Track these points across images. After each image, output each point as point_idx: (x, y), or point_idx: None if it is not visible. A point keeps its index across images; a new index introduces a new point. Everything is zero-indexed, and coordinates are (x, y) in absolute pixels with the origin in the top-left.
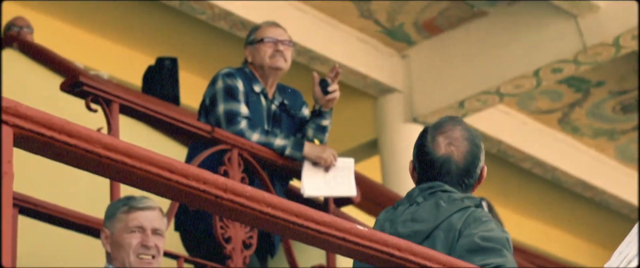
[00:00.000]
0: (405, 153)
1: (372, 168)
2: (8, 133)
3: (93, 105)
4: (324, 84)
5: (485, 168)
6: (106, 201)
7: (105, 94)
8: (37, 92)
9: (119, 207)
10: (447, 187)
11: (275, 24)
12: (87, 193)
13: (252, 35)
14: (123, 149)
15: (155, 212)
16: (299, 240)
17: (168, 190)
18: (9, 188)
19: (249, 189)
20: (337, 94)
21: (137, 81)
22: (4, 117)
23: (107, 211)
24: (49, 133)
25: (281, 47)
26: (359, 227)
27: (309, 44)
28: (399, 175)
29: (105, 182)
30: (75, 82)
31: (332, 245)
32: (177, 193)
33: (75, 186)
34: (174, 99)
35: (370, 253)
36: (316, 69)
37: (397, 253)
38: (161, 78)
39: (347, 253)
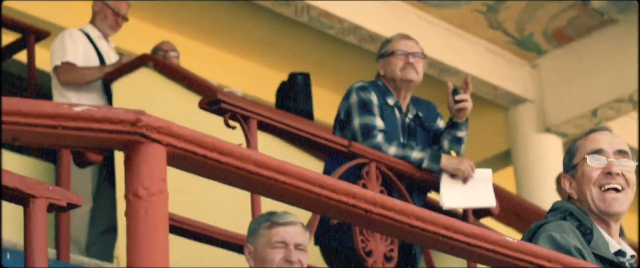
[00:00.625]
0: (538, 163)
1: (505, 179)
2: (162, 152)
3: (231, 122)
4: (456, 94)
5: (564, 179)
6: (248, 217)
7: (244, 111)
8: (172, 110)
9: (261, 222)
10: (558, 205)
11: (406, 37)
12: (229, 209)
13: (384, 49)
14: (274, 166)
15: (297, 227)
16: (448, 252)
17: (318, 205)
18: (165, 206)
19: (398, 203)
20: (467, 104)
21: (269, 97)
22: (158, 136)
23: (250, 227)
24: (201, 151)
25: (412, 60)
26: (508, 238)
27: (438, 56)
28: (533, 186)
29: (247, 198)
30: (213, 100)
31: (481, 257)
32: (327, 208)
33: (217, 203)
34: (308, 114)
35: (520, 265)
36: (447, 81)
37: (547, 264)
38: (294, 93)
39: (496, 264)
